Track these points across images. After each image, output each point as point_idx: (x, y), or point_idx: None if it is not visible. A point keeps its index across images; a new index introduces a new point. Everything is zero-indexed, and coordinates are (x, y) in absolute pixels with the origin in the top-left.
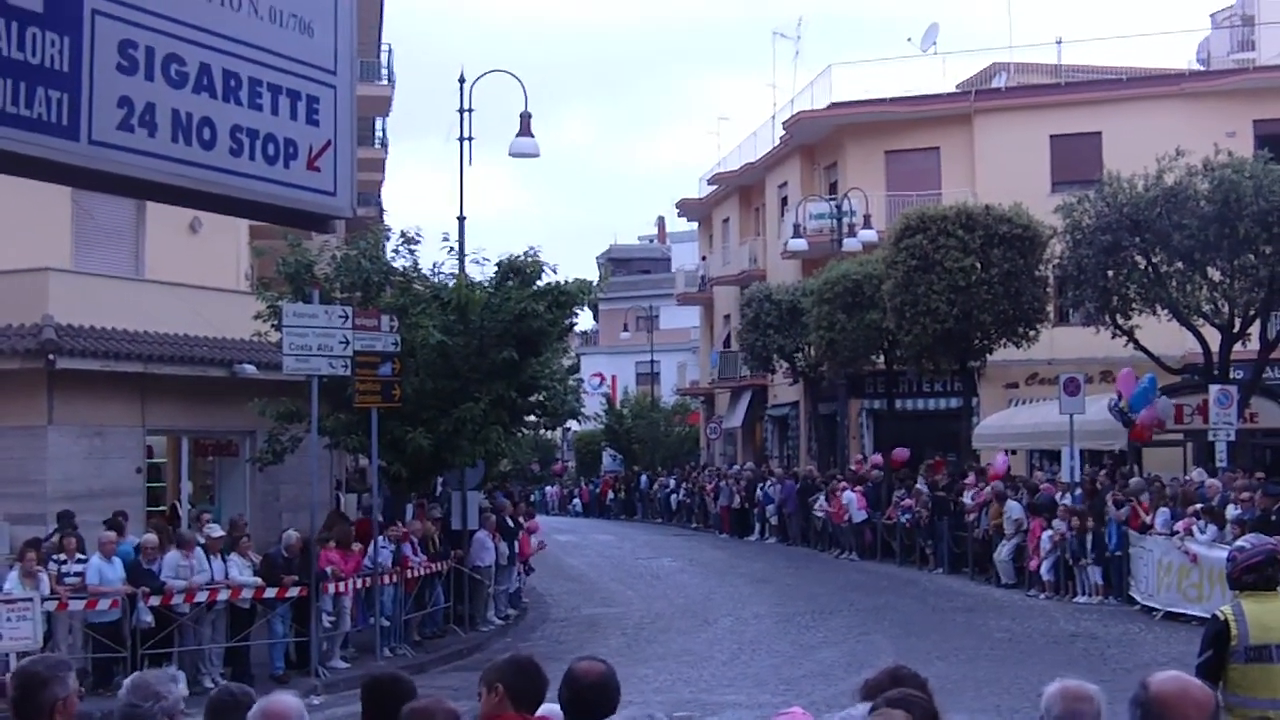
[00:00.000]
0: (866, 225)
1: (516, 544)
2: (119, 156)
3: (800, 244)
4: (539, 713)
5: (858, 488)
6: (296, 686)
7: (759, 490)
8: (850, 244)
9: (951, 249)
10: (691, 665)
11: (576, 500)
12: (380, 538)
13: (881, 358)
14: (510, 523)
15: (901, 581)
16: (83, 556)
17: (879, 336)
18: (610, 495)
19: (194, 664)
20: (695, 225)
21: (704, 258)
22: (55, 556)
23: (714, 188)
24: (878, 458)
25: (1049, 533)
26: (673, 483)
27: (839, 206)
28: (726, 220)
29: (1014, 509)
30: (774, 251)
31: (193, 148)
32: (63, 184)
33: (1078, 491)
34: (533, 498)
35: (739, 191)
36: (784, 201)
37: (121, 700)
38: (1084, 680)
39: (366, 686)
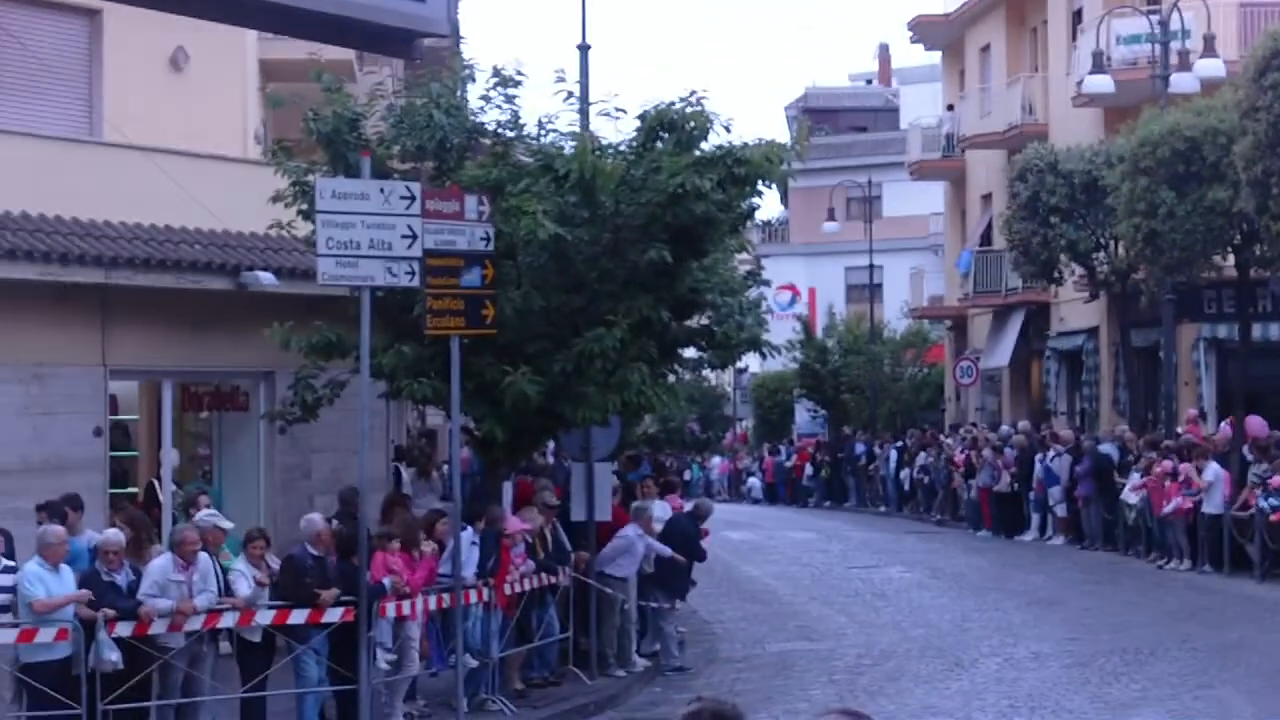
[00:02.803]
0: (1208, 51)
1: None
2: None
3: (1103, 83)
4: None
5: (1190, 462)
6: None
7: (1038, 464)
8: (1182, 82)
9: None
10: None
11: (754, 479)
12: (468, 529)
13: (1231, 258)
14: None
15: (1263, 607)
16: (12, 563)
17: (1227, 226)
18: (808, 471)
19: None
20: (938, 58)
21: (951, 107)
22: None
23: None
24: (1226, 428)
25: None
26: (895, 453)
27: (1163, 23)
28: (986, 49)
29: None
30: (1061, 96)
31: None
32: None
33: None
34: (687, 474)
35: (1007, 3)
36: (1077, 18)
37: None
38: None
39: None
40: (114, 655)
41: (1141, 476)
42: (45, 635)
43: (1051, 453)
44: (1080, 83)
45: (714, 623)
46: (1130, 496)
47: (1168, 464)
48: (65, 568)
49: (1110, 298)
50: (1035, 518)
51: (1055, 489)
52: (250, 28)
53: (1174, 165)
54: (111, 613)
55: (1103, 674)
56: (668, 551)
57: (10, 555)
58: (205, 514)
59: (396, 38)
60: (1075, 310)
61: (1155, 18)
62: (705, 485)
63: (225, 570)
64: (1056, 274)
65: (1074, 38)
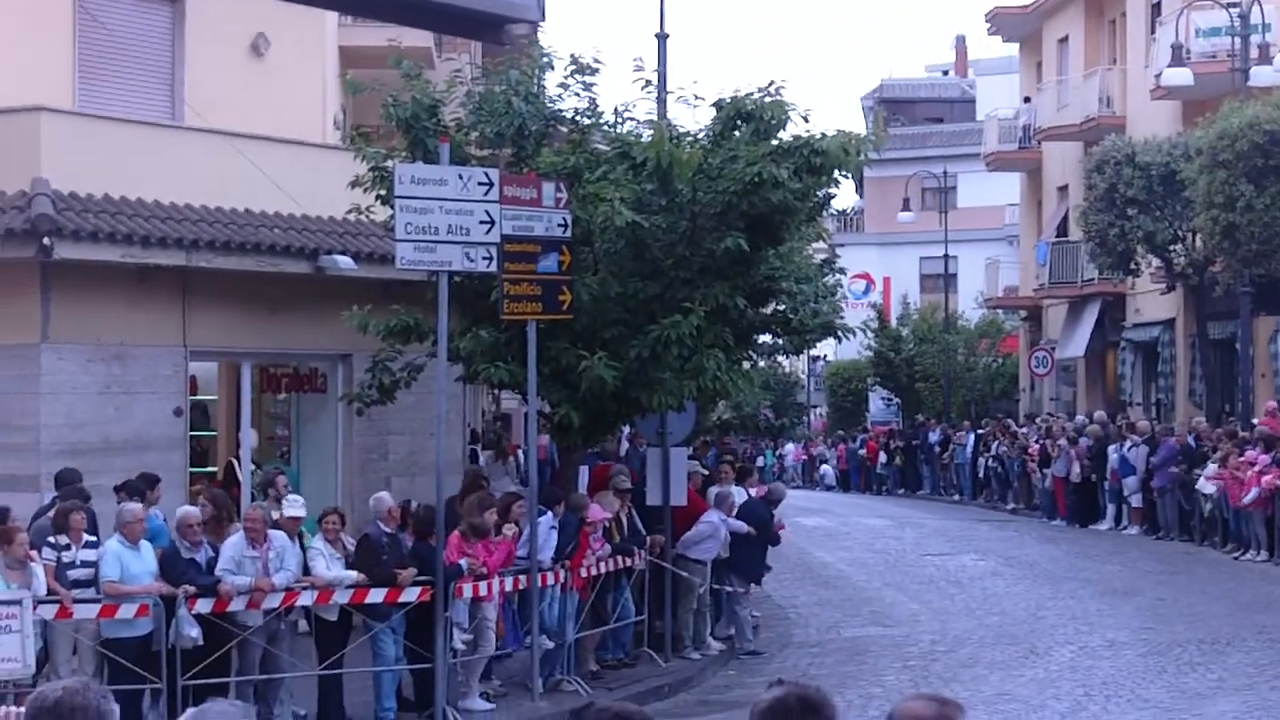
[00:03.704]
0: None
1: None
2: None
3: (1182, 76)
4: None
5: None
6: None
7: (1113, 454)
8: (1261, 75)
9: None
10: (1013, 718)
11: (828, 466)
12: (548, 514)
13: None
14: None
15: None
16: (94, 539)
17: None
18: (881, 459)
19: (262, 701)
20: (1015, 49)
21: (1028, 99)
22: (54, 539)
23: None
24: None
25: None
26: (973, 440)
27: (1244, 16)
28: (1064, 40)
29: None
30: (1139, 89)
31: None
32: None
33: None
34: (761, 460)
35: None
36: (1156, 10)
37: None
38: None
39: None
40: (194, 631)
41: (1218, 467)
42: (126, 611)
43: (1128, 442)
44: (1159, 75)
45: (788, 608)
46: (1206, 487)
47: (1246, 455)
48: (145, 544)
49: (1187, 290)
50: (1110, 508)
51: (1131, 479)
52: (343, 11)
53: (1253, 158)
54: (191, 589)
55: (1179, 663)
56: (744, 527)
57: (93, 532)
58: (287, 502)
59: (489, 23)
60: (1151, 302)
61: (1235, 10)
62: (779, 471)
63: (305, 549)
64: (1133, 265)
65: (1153, 30)
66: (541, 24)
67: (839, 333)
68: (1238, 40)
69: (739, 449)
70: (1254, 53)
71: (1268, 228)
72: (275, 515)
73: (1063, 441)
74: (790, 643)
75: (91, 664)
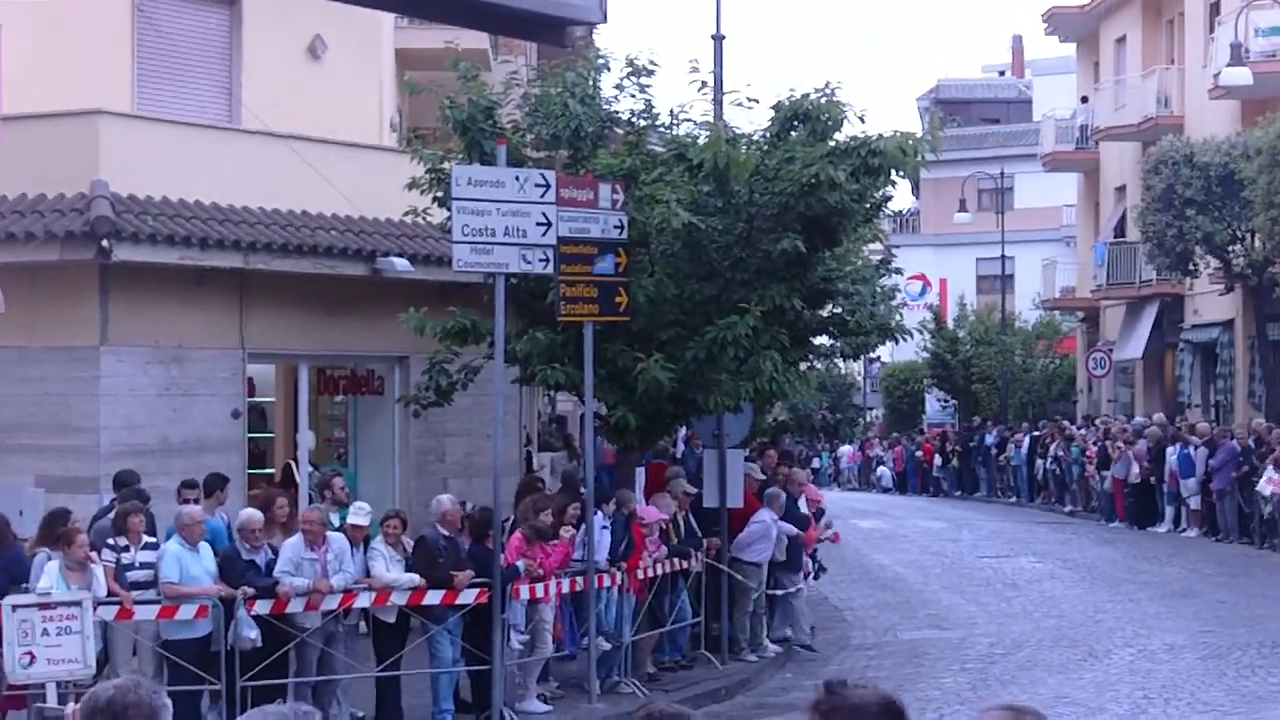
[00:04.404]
0: None
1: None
2: None
3: (1241, 75)
4: None
5: None
6: None
7: (1171, 456)
8: None
9: None
10: None
11: (884, 468)
12: (598, 514)
13: None
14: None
15: None
16: (153, 540)
17: None
18: (937, 461)
19: (320, 703)
20: (1072, 49)
21: (1085, 99)
22: (113, 541)
23: None
24: None
25: None
26: (1028, 444)
27: None
28: (1121, 40)
29: None
30: (1197, 88)
31: None
32: None
33: None
34: (816, 462)
35: None
36: (1215, 9)
37: None
38: None
39: None
40: (252, 633)
41: (1275, 470)
42: (185, 612)
43: (1187, 444)
44: (1217, 75)
45: (845, 610)
46: (1266, 489)
47: None
48: (204, 546)
49: (1246, 290)
50: (1169, 510)
51: (1190, 481)
52: (403, 13)
53: None
54: (250, 591)
55: (1239, 667)
56: (794, 530)
57: (152, 533)
58: (353, 510)
59: (551, 25)
60: (1210, 303)
61: None
62: (834, 473)
63: (365, 551)
64: (1191, 266)
65: (1211, 29)
66: (604, 24)
67: (896, 335)
68: None
69: (794, 451)
70: None
71: None
72: (333, 519)
73: (1121, 443)
74: (848, 645)
75: (151, 665)
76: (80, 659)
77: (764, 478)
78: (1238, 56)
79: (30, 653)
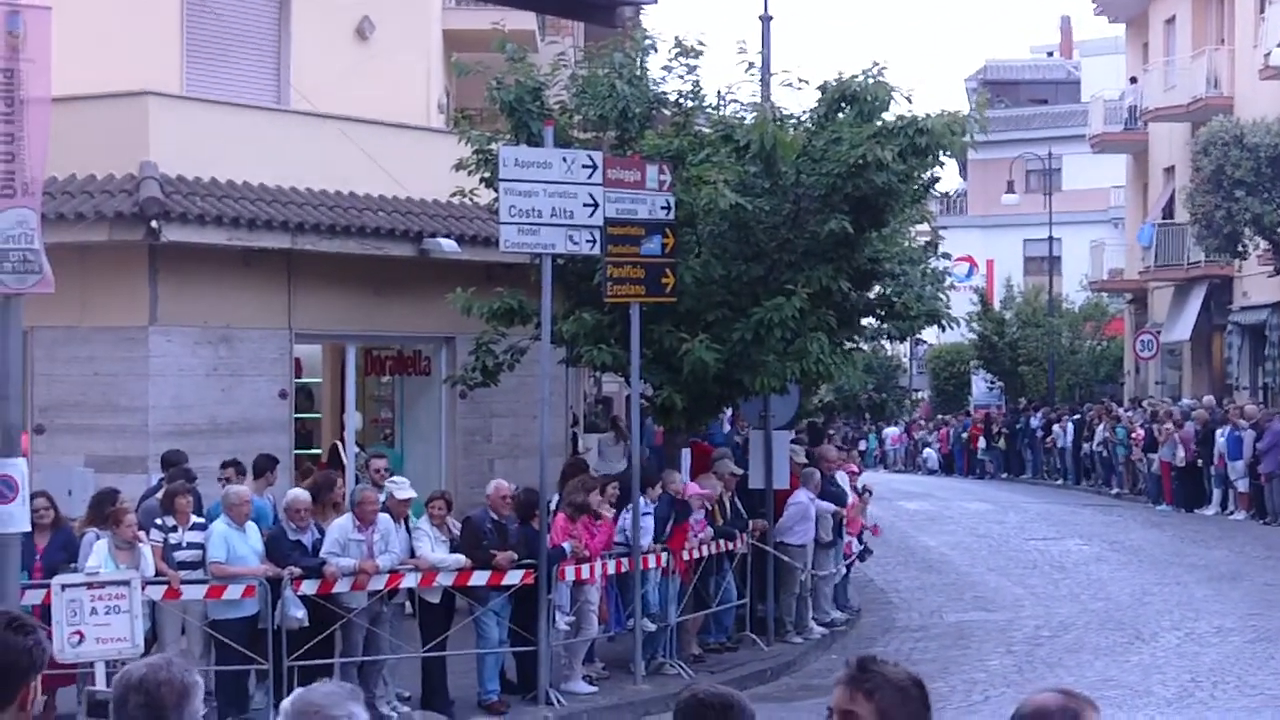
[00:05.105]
0: None
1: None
2: None
3: None
4: None
5: None
6: (518, 719)
7: (1219, 439)
8: None
9: None
10: (1118, 705)
11: (930, 450)
12: (643, 499)
13: None
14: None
15: None
16: (200, 520)
17: None
18: (982, 443)
19: (366, 683)
20: (1121, 30)
21: (1134, 80)
22: (161, 520)
23: None
24: None
25: None
26: (1074, 426)
27: None
28: (1171, 20)
29: None
30: (1248, 68)
31: None
32: None
33: None
34: (863, 444)
35: None
36: None
37: None
38: None
39: (684, 710)
40: (299, 613)
41: None
42: (233, 592)
43: (1235, 426)
44: (1268, 55)
45: (890, 591)
46: None
47: None
48: (251, 526)
49: None
50: (1216, 493)
51: (1237, 463)
52: None
53: None
54: (297, 571)
55: None
56: (832, 507)
57: (200, 513)
58: (390, 482)
59: (601, 6)
60: (1259, 284)
61: None
62: (880, 455)
63: (410, 531)
64: (1240, 248)
65: (1262, 9)
66: (654, 5)
67: (943, 318)
68: None
69: (841, 432)
70: None
71: None
72: (382, 495)
73: (1168, 425)
74: (893, 627)
75: (199, 644)
76: (128, 638)
77: (805, 461)
78: None
79: (79, 631)
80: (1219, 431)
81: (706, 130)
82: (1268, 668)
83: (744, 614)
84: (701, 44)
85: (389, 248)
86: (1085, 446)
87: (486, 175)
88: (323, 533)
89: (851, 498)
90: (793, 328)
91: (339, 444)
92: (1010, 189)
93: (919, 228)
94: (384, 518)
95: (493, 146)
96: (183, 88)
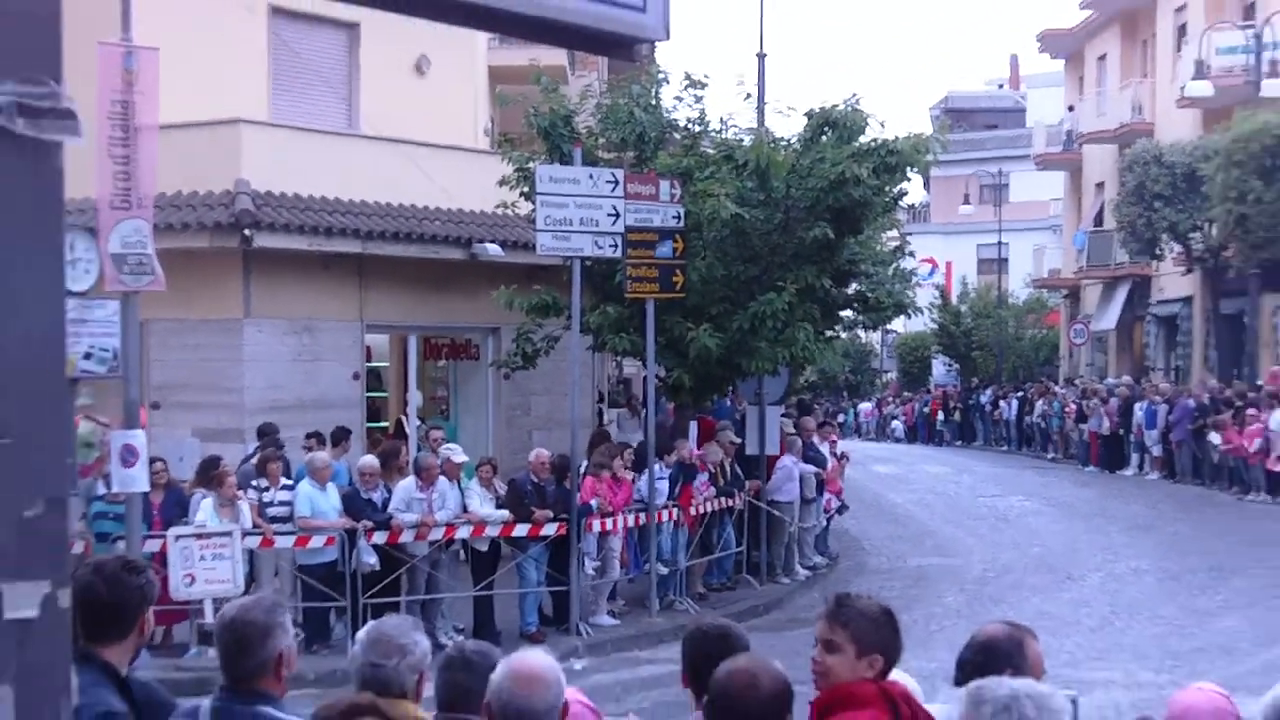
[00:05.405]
0: None
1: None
2: None
3: (1203, 88)
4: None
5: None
6: (554, 647)
7: (1138, 411)
8: (1271, 88)
9: None
10: (1051, 633)
11: (898, 422)
12: (658, 464)
13: None
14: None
15: None
16: (289, 482)
17: None
18: (941, 416)
19: (427, 616)
20: (1061, 65)
21: (1071, 108)
22: (256, 482)
23: (1088, 14)
24: None
25: None
26: (1017, 401)
27: (1258, 36)
28: (1103, 58)
29: None
30: (1166, 99)
31: None
32: None
33: None
34: (842, 417)
35: (1121, 19)
36: (1181, 31)
37: (358, 659)
38: None
39: (691, 639)
40: (371, 559)
41: (1219, 432)
42: (316, 542)
43: (1151, 402)
44: (1183, 87)
45: (863, 540)
46: (1216, 438)
47: (1250, 411)
48: (331, 486)
49: (1204, 272)
50: (1134, 457)
51: (1152, 432)
52: (497, 32)
53: (1263, 159)
54: (369, 524)
55: (1190, 587)
56: (814, 469)
57: (288, 476)
58: (446, 448)
59: (621, 43)
60: (1173, 282)
61: (1250, 31)
62: (855, 426)
63: (463, 491)
64: (1158, 251)
65: (1179, 48)
66: (666, 42)
67: (909, 310)
68: (1251, 57)
69: (823, 407)
70: (1265, 68)
71: (1274, 218)
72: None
73: (1096, 401)
74: (865, 570)
75: (289, 585)
76: (231, 580)
77: (792, 431)
78: (1200, 72)
79: (191, 574)
80: (1138, 405)
81: (711, 151)
82: (1174, 602)
83: (741, 559)
84: (707, 78)
85: (444, 252)
86: (1027, 419)
87: (525, 190)
88: (390, 492)
89: (831, 462)
90: (783, 319)
91: (403, 418)
92: (966, 200)
93: (889, 234)
94: (442, 480)
95: (530, 165)
96: (270, 116)
